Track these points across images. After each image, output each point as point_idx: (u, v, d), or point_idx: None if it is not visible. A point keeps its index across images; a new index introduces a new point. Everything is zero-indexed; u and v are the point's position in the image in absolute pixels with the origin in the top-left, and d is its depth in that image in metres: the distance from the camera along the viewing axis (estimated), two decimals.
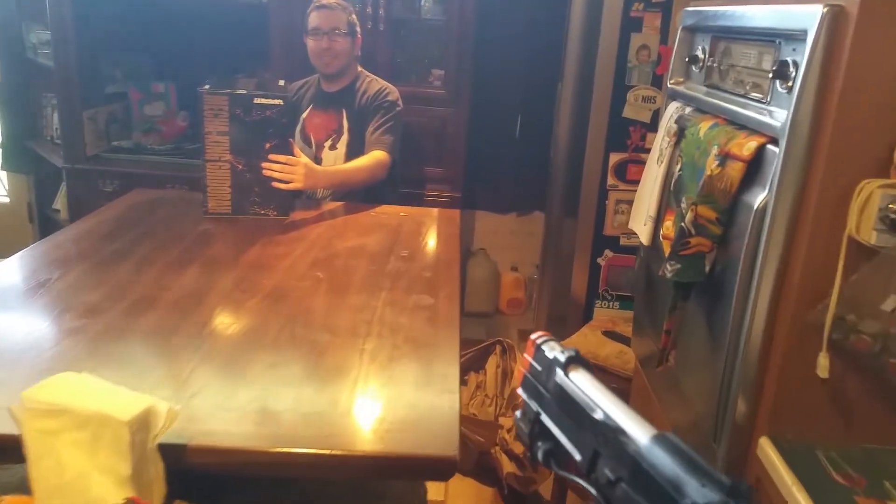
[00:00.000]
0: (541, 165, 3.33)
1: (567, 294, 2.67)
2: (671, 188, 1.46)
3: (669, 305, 1.38)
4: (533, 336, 0.66)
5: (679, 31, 1.65)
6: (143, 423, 1.00)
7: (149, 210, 2.27)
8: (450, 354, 1.37)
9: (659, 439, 0.49)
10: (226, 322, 1.46)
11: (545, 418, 0.62)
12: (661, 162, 1.56)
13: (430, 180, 3.33)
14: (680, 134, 1.51)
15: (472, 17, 3.10)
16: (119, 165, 3.41)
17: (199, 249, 1.90)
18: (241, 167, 2.11)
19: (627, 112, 2.51)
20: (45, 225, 3.91)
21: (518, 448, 2.33)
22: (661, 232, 1.45)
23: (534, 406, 0.64)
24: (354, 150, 2.52)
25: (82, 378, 1.10)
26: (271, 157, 2.10)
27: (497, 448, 2.35)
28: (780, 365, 1.17)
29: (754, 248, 1.17)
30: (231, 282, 1.69)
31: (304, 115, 2.64)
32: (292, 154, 2.14)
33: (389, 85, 2.59)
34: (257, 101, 2.05)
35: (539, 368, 0.64)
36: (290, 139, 2.17)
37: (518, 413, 0.67)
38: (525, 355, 0.67)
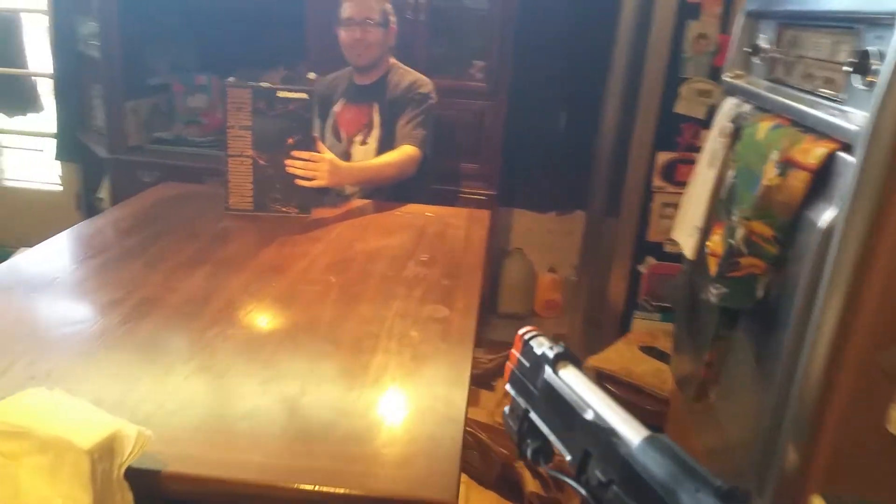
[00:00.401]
0: (585, 163, 3.17)
1: (604, 299, 2.50)
2: (722, 197, 1.29)
3: (712, 333, 1.22)
4: (520, 331, 0.64)
5: (741, 18, 1.47)
6: (106, 451, 0.91)
7: (172, 205, 2.20)
8: (458, 375, 1.25)
9: (651, 441, 0.48)
10: (225, 331, 1.37)
11: (534, 416, 0.60)
12: (713, 166, 1.39)
13: (465, 177, 3.21)
14: (736, 135, 1.34)
15: (516, 4, 2.95)
16: (159, 157, 3.41)
17: (214, 248, 1.82)
18: (262, 163, 2.02)
19: (680, 107, 2.32)
20: (89, 213, 3.94)
21: None
22: (708, 247, 1.28)
23: (522, 403, 0.62)
24: (386, 145, 2.41)
25: (53, 396, 1.02)
26: (295, 153, 2.01)
27: (521, 462, 2.22)
28: (840, 413, 1.00)
29: (817, 273, 1.00)
30: (240, 284, 1.59)
31: (336, 108, 2.54)
32: (316, 150, 2.04)
33: (423, 77, 2.47)
34: (280, 94, 1.96)
35: (527, 365, 0.61)
36: (315, 134, 2.06)
37: (506, 409, 0.64)
38: (513, 350, 0.64)
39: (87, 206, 4.04)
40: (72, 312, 1.44)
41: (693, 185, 1.51)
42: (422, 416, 1.13)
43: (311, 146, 2.01)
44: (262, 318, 1.43)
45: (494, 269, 3.65)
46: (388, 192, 2.38)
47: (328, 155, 2.06)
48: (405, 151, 2.30)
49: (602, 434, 0.51)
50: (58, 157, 3.99)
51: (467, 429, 2.18)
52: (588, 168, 3.06)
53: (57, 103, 3.85)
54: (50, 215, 4.12)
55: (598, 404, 0.54)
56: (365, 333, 1.39)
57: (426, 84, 2.44)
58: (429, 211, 2.24)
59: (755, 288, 1.10)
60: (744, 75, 1.46)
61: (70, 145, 3.89)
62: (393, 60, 2.52)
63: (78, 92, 3.84)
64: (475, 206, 3.15)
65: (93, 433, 0.91)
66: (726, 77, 1.50)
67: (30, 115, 4.41)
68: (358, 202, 2.32)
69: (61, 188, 4.17)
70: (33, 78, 4.20)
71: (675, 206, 2.35)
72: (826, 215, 0.97)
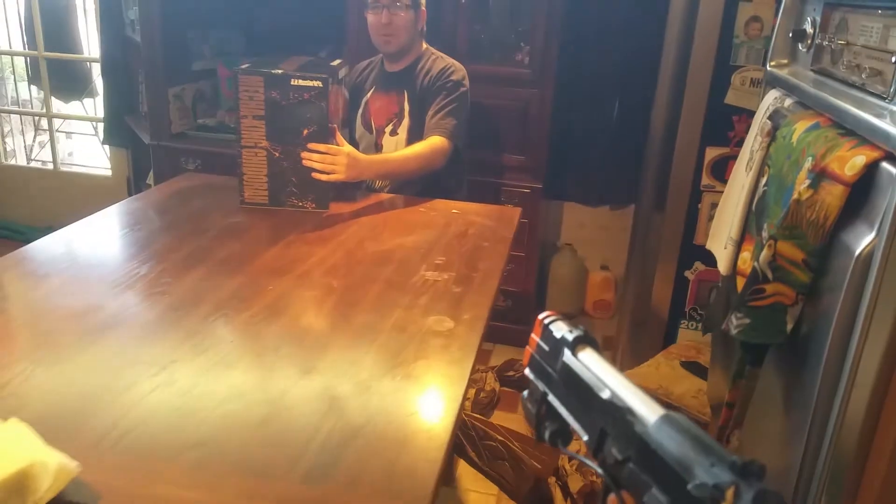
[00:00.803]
0: (640, 153, 2.96)
1: (648, 307, 2.31)
2: (753, 208, 1.11)
3: (734, 371, 1.04)
4: (540, 315, 0.65)
5: None
6: (15, 487, 0.82)
7: (189, 197, 2.14)
8: (448, 400, 1.12)
9: (667, 419, 0.48)
10: (202, 343, 1.27)
11: (552, 399, 0.61)
12: (750, 169, 1.21)
13: (509, 169, 3.05)
14: (773, 134, 1.15)
15: None
16: (202, 144, 3.38)
17: (217, 246, 1.73)
18: (277, 155, 1.92)
19: (731, 98, 2.10)
20: None
21: (575, 484, 2.05)
22: (737, 264, 1.11)
23: (541, 386, 0.63)
24: (416, 136, 2.28)
25: None
26: (311, 145, 1.90)
27: (554, 479, 2.08)
28: (883, 465, 0.83)
29: (854, 305, 0.82)
30: (232, 288, 1.50)
31: (367, 98, 2.42)
32: (334, 141, 1.93)
33: (456, 63, 2.32)
34: (294, 82, 1.85)
35: (546, 349, 0.62)
36: (333, 125, 1.95)
37: (525, 393, 0.65)
38: (532, 335, 0.65)
39: (138, 192, 4.08)
40: (37, 325, 1.36)
41: (729, 191, 1.33)
42: (400, 448, 1.01)
43: (327, 137, 1.91)
44: (246, 330, 1.33)
45: (543, 266, 3.49)
46: (421, 185, 2.26)
47: (346, 148, 1.94)
48: (432, 143, 2.17)
49: (618, 413, 0.51)
50: (105, 141, 4.04)
51: (499, 438, 2.07)
52: (642, 159, 2.86)
53: (105, 88, 3.88)
54: (101, 200, 4.18)
55: (615, 384, 0.54)
56: (353, 349, 1.27)
57: (459, 70, 2.30)
58: (455, 208, 2.11)
59: (784, 320, 0.92)
60: (788, 64, 1.26)
61: (118, 130, 3.92)
62: (425, 46, 2.38)
63: (126, 77, 3.86)
64: (519, 199, 3.03)
65: (2, 467, 0.82)
66: (770, 66, 1.30)
67: (86, 101, 4.50)
68: (380, 196, 2.21)
69: (110, 173, 4.22)
70: (89, 63, 4.25)
71: None
72: (865, 239, 0.80)
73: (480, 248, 1.81)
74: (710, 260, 2.24)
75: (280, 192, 1.97)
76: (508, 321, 3.17)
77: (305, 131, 1.89)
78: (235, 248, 1.73)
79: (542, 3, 2.81)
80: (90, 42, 4.22)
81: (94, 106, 4.38)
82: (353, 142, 2.41)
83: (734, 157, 2.13)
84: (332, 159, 1.90)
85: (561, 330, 0.62)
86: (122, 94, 3.88)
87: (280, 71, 1.87)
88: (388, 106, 2.37)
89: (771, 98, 1.21)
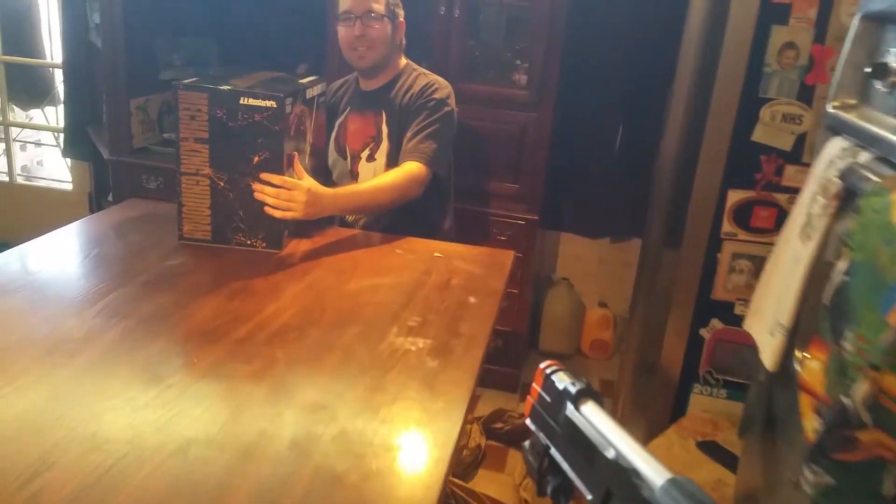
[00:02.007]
0: (645, 184, 2.70)
1: (655, 369, 2.01)
2: (825, 300, 0.82)
3: None
4: (542, 365, 0.63)
5: (856, 23, 0.99)
6: None
7: (125, 230, 1.83)
8: None
9: (674, 483, 0.47)
10: (67, 453, 0.96)
11: (555, 453, 0.59)
12: (810, 238, 0.92)
13: (502, 198, 2.78)
14: (848, 198, 0.86)
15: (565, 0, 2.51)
16: (166, 161, 3.06)
17: (143, 298, 1.43)
18: (222, 185, 1.63)
19: (759, 135, 1.81)
20: None
21: None
22: (801, 372, 0.81)
23: (543, 439, 0.61)
24: (397, 162, 1.99)
25: None
26: (264, 176, 1.61)
27: None
28: None
29: None
30: (144, 360, 1.19)
31: (340, 120, 2.13)
32: (291, 169, 1.64)
33: (440, 80, 2.04)
34: (244, 101, 1.56)
35: (548, 400, 0.61)
36: (293, 153, 1.66)
37: (526, 444, 0.64)
38: (534, 384, 0.64)
39: (100, 209, 3.77)
40: None
41: (777, 260, 1.04)
42: None
43: (278, 167, 1.61)
44: (142, 429, 1.02)
45: (536, 301, 3.21)
46: (399, 219, 1.97)
47: (307, 181, 1.65)
48: (407, 170, 1.88)
49: (624, 474, 0.50)
50: (65, 153, 3.74)
51: None
52: (649, 190, 2.58)
53: (66, 96, 3.59)
54: (60, 217, 3.87)
55: (620, 443, 0.53)
56: (276, 463, 0.97)
57: (443, 88, 2.01)
58: (438, 250, 1.81)
59: (881, 481, 0.64)
60: (858, 106, 0.97)
61: (79, 142, 3.62)
62: (405, 61, 2.10)
63: (90, 85, 3.57)
64: (513, 231, 2.75)
65: None
66: (832, 108, 1.02)
67: (47, 109, 4.20)
68: (348, 233, 1.91)
69: (71, 187, 3.92)
70: (51, 69, 3.96)
71: (751, 258, 1.87)
72: None
73: (465, 304, 1.52)
74: (729, 317, 1.98)
75: (225, 228, 1.67)
76: (498, 363, 2.89)
77: (256, 158, 1.59)
78: (166, 300, 1.43)
79: (543, 18, 2.54)
80: (53, 47, 3.92)
81: (57, 115, 4.08)
82: (325, 169, 2.12)
83: (761, 202, 1.85)
84: (289, 195, 1.61)
85: (563, 381, 0.60)
86: (84, 104, 3.58)
87: (227, 87, 1.57)
88: (365, 129, 2.08)
89: (836, 149, 0.93)
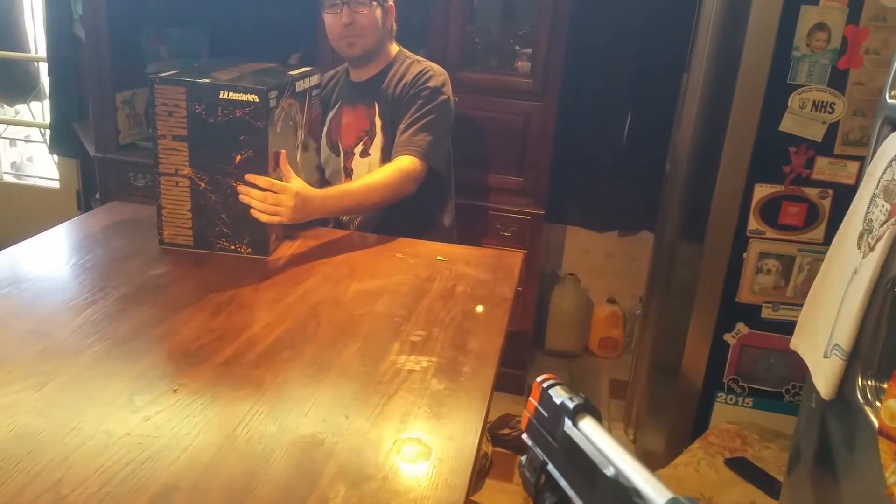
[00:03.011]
0: (655, 175, 2.56)
1: (677, 376, 1.88)
2: None
3: None
4: (538, 378, 0.62)
5: None
6: None
7: (105, 236, 1.70)
8: None
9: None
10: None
11: (552, 469, 0.59)
12: (872, 248, 0.79)
13: (505, 192, 2.65)
14: None
15: None
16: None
17: (122, 313, 1.30)
18: (203, 186, 1.50)
19: (788, 124, 1.67)
20: None
21: None
22: (879, 413, 0.69)
23: (540, 455, 0.60)
24: (391, 155, 1.86)
25: None
26: (249, 178, 1.48)
27: None
28: None
29: None
30: (113, 393, 1.06)
31: (331, 114, 1.99)
32: (276, 169, 1.51)
33: (435, 66, 1.90)
34: (224, 95, 1.42)
35: (545, 415, 0.60)
36: (279, 151, 1.53)
37: (523, 459, 0.63)
38: (530, 398, 0.63)
39: (88, 208, 3.64)
40: None
41: (829, 272, 0.91)
42: None
43: (262, 166, 1.48)
44: (114, 472, 0.89)
45: (542, 298, 3.08)
46: (400, 215, 1.84)
47: (295, 183, 1.52)
48: (400, 166, 1.75)
49: (624, 493, 0.50)
50: (51, 150, 3.60)
51: None
52: (659, 181, 2.45)
53: (51, 91, 3.45)
54: (47, 216, 3.74)
55: (620, 461, 0.52)
56: None
57: (438, 75, 1.87)
58: (441, 253, 1.68)
59: None
60: None
61: (66, 138, 3.48)
62: (397, 48, 1.95)
63: (75, 79, 3.42)
64: (517, 227, 2.62)
65: None
66: (891, 97, 0.88)
67: (32, 104, 4.05)
68: (341, 234, 1.78)
69: (58, 185, 3.78)
70: (37, 63, 3.81)
71: (779, 257, 1.73)
72: None
73: (472, 315, 1.39)
74: (756, 321, 1.85)
75: (207, 233, 1.54)
76: (503, 364, 2.75)
77: (238, 157, 1.46)
78: (146, 316, 1.30)
79: (547, 2, 2.40)
80: (38, 40, 3.77)
81: (43, 110, 3.94)
82: (318, 167, 1.98)
83: (790, 197, 1.72)
84: (276, 198, 1.48)
85: (561, 396, 0.59)
86: (69, 99, 3.44)
87: (206, 80, 1.44)
88: (357, 122, 1.94)
89: None
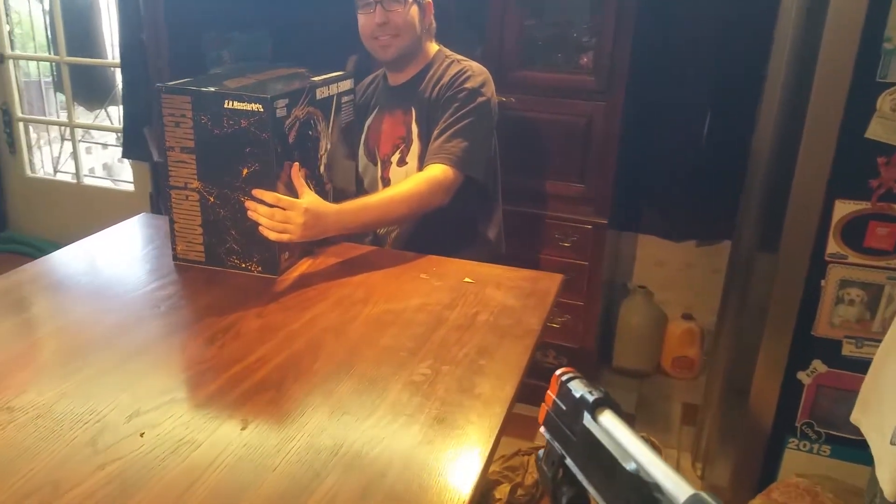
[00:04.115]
0: (737, 180, 2.32)
1: (752, 363, 1.63)
2: None
3: None
4: (557, 372, 0.62)
5: None
6: None
7: (126, 250, 1.65)
8: None
9: (697, 500, 0.46)
10: None
11: (570, 463, 0.58)
12: None
13: (565, 200, 2.46)
14: None
15: None
16: None
17: (122, 335, 1.23)
18: (212, 200, 1.41)
19: (876, 130, 1.41)
20: None
21: None
22: None
23: (557, 448, 0.60)
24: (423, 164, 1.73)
25: None
26: (256, 193, 1.37)
27: None
28: None
29: None
30: (80, 432, 0.98)
31: (369, 121, 1.87)
32: (288, 181, 1.40)
33: (475, 65, 1.74)
34: (228, 104, 1.32)
35: (564, 408, 0.60)
36: (289, 161, 1.42)
37: (540, 453, 0.63)
38: (549, 392, 0.63)
39: (158, 212, 3.71)
40: None
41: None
42: None
43: (270, 180, 1.37)
44: None
45: (609, 312, 2.88)
46: (437, 226, 1.72)
47: (306, 199, 1.41)
48: (429, 175, 1.61)
49: (645, 488, 0.49)
50: (124, 154, 3.67)
51: None
52: (742, 186, 2.20)
53: (124, 96, 3.51)
54: (120, 218, 3.84)
55: (640, 456, 0.52)
56: None
57: (477, 75, 1.71)
58: (470, 274, 1.53)
59: None
60: None
61: (137, 142, 3.53)
62: (437, 47, 1.81)
63: (146, 84, 3.47)
64: (579, 237, 2.43)
65: None
66: None
67: (111, 109, 4.16)
68: (363, 251, 1.65)
69: (133, 188, 3.86)
70: (113, 69, 3.90)
71: (863, 286, 1.48)
72: None
73: (487, 351, 1.23)
74: (835, 359, 1.59)
75: (218, 249, 1.45)
76: None
77: (245, 171, 1.36)
78: (138, 342, 1.22)
79: None
80: (114, 46, 3.86)
81: (119, 115, 4.04)
82: (357, 178, 1.87)
83: (878, 217, 1.46)
84: (284, 215, 1.37)
85: (580, 390, 0.59)
86: (140, 104, 3.49)
87: (211, 89, 1.34)
88: (394, 129, 1.82)
89: None
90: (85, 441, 0.94)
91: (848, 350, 1.51)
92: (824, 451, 1.59)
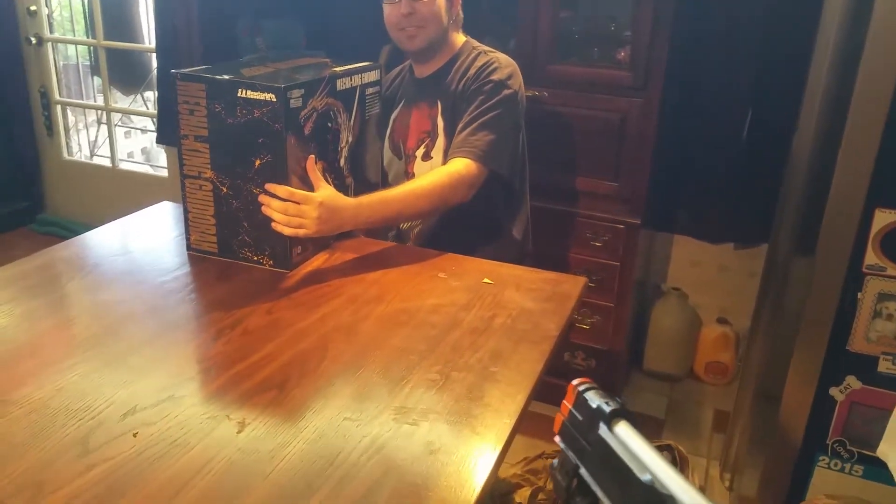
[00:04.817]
0: (777, 182, 2.23)
1: (784, 365, 1.54)
2: None
3: None
4: (574, 382, 0.63)
5: None
6: None
7: (142, 237, 1.64)
8: None
9: None
10: None
11: (585, 473, 0.59)
12: None
13: (598, 198, 2.39)
14: None
15: None
16: None
17: (115, 334, 1.21)
18: (225, 190, 1.38)
19: None
20: None
21: None
22: None
23: (572, 458, 0.61)
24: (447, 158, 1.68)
25: None
26: (269, 187, 1.34)
27: None
28: None
29: None
30: (72, 428, 0.96)
31: (395, 114, 1.83)
32: (303, 175, 1.37)
33: (502, 57, 1.68)
34: (241, 93, 1.29)
35: (580, 418, 0.61)
36: (307, 156, 1.38)
37: (555, 462, 0.63)
38: (564, 402, 0.63)
39: None
40: None
41: None
42: None
43: (282, 173, 1.34)
44: None
45: (641, 314, 2.81)
46: (461, 222, 1.67)
47: (321, 193, 1.37)
48: (452, 169, 1.56)
49: (659, 500, 0.50)
50: (159, 139, 3.68)
51: None
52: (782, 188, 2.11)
53: (158, 81, 3.52)
54: (154, 202, 3.86)
55: (655, 467, 0.52)
56: None
57: (504, 66, 1.66)
58: (489, 274, 1.48)
59: None
60: None
61: (171, 128, 3.54)
62: (464, 38, 1.76)
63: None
64: (610, 236, 2.37)
65: None
66: None
67: (146, 94, 4.19)
68: (380, 247, 1.61)
69: (167, 174, 3.88)
70: (149, 53, 3.92)
71: None
72: None
73: (501, 357, 1.18)
74: (870, 376, 1.50)
75: (231, 240, 1.43)
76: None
77: (258, 162, 1.33)
78: (144, 336, 1.20)
79: None
80: (150, 31, 3.89)
81: (155, 100, 4.07)
82: (382, 171, 1.83)
83: None
84: (298, 209, 1.33)
85: (596, 400, 0.59)
86: (174, 89, 3.49)
87: (225, 77, 1.31)
88: (420, 122, 1.77)
89: None
90: (77, 439, 0.92)
91: (885, 367, 1.42)
92: (856, 472, 1.50)
